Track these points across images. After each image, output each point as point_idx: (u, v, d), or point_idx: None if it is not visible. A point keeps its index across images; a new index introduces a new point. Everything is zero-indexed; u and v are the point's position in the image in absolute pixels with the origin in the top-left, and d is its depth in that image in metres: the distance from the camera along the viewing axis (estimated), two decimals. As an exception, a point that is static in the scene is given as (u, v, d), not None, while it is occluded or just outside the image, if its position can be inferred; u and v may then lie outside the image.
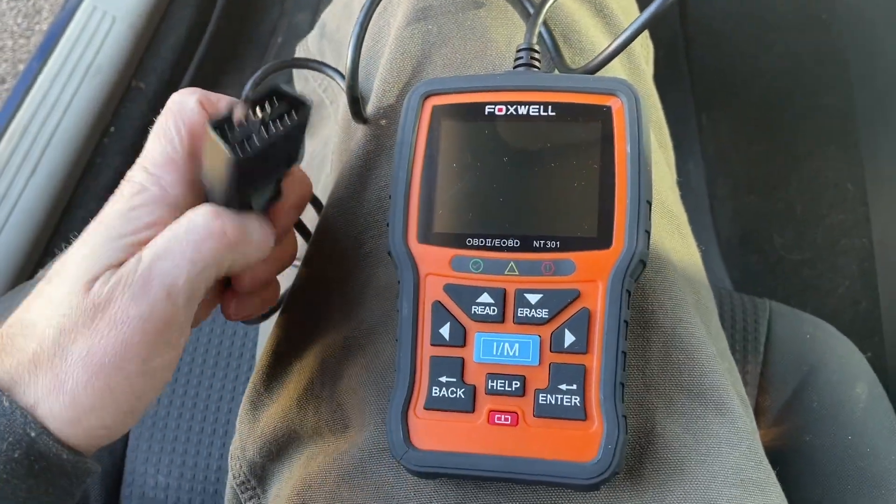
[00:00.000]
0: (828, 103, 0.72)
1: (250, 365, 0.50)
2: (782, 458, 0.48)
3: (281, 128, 0.29)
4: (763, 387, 0.49)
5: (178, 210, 0.30)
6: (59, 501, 0.30)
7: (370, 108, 0.39)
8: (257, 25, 1.11)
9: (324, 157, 0.46)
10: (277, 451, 0.38)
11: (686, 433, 0.33)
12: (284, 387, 0.38)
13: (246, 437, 0.39)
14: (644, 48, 0.46)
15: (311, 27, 1.13)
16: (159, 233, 0.30)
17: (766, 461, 0.34)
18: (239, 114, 0.28)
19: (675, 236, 0.38)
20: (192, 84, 1.00)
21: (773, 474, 0.34)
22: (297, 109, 0.29)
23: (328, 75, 0.41)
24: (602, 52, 0.35)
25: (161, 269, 0.28)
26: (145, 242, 0.29)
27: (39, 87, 0.89)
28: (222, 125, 0.28)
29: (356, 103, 0.38)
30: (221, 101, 0.32)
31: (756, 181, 0.79)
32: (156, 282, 0.28)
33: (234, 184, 0.29)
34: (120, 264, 0.29)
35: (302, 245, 0.40)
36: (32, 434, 0.28)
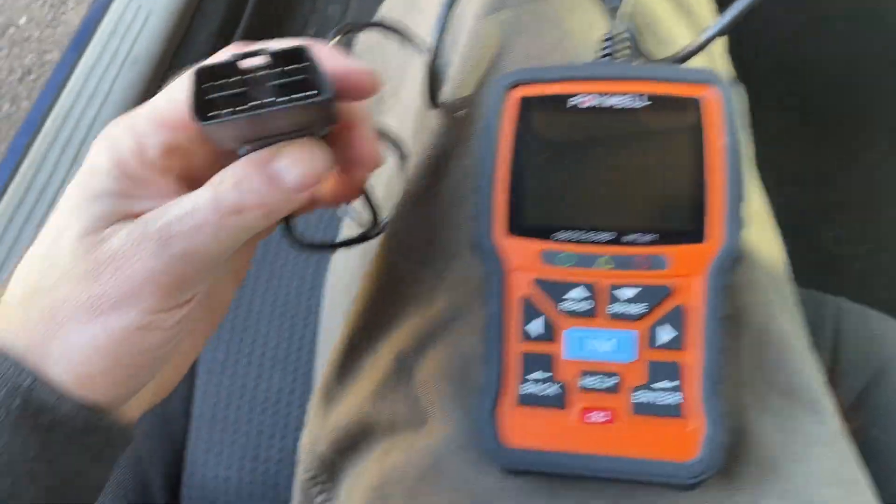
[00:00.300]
0: (884, 94, 0.71)
1: (310, 357, 0.49)
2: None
3: (277, 103, 0.25)
4: (831, 385, 0.48)
5: (152, 174, 0.29)
6: (86, 467, 0.29)
7: (445, 98, 0.38)
8: (289, 19, 1.10)
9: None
10: (350, 445, 0.38)
11: (779, 432, 0.32)
12: (358, 380, 0.38)
13: (318, 431, 0.39)
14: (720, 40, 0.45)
15: (342, 19, 1.12)
16: (138, 194, 0.28)
17: (858, 461, 0.33)
18: (248, 63, 0.25)
19: (761, 230, 0.37)
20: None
21: (865, 474, 0.33)
22: (319, 90, 0.26)
23: (411, 46, 0.40)
24: (700, 38, 0.34)
25: (181, 232, 0.27)
26: (143, 196, 0.28)
27: (76, 79, 0.89)
28: (217, 71, 0.25)
29: (435, 87, 0.37)
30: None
31: (806, 174, 0.77)
32: (175, 241, 0.27)
33: (213, 141, 0.27)
34: (113, 222, 0.28)
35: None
36: (26, 382, 0.27)
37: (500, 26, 0.38)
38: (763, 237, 0.37)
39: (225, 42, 1.02)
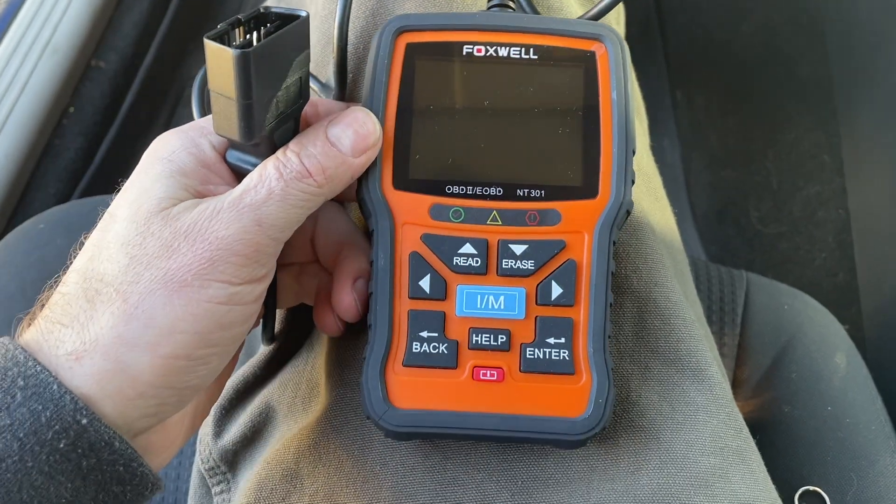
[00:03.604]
0: (804, 74, 0.72)
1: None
2: (761, 430, 0.47)
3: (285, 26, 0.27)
4: (741, 359, 0.48)
5: (220, 163, 0.29)
6: None
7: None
8: (222, 4, 1.08)
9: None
10: (252, 434, 0.36)
11: (662, 401, 0.32)
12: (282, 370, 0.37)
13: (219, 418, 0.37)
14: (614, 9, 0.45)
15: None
16: (209, 179, 0.29)
17: (745, 429, 0.33)
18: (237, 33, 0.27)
19: (650, 198, 0.36)
20: (153, 62, 0.97)
21: (752, 442, 0.33)
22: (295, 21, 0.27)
23: None
24: (594, 6, 0.33)
25: (252, 201, 0.27)
26: (203, 181, 0.29)
27: (-6, 68, 0.85)
28: (221, 37, 0.27)
29: (345, 81, 0.36)
30: None
31: (732, 155, 0.78)
32: (246, 210, 0.27)
33: (246, 89, 0.26)
34: (182, 200, 0.28)
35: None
36: (84, 421, 0.25)
37: None
38: (654, 205, 0.37)
39: (153, 29, 0.99)
